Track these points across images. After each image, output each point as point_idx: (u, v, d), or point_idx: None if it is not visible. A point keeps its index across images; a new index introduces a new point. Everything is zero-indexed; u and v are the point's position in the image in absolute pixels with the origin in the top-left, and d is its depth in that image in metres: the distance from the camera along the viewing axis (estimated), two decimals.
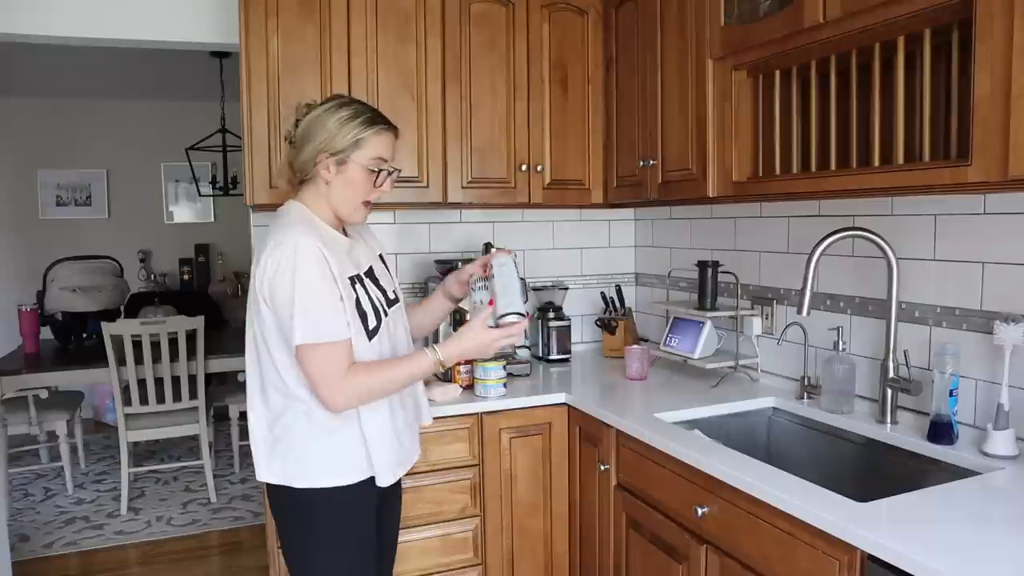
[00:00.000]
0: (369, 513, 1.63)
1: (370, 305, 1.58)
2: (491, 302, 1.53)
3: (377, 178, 1.60)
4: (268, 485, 1.61)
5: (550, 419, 2.26)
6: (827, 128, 1.75)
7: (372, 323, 1.57)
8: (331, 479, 1.55)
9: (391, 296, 1.69)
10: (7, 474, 3.93)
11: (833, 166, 1.74)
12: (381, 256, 1.76)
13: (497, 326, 1.57)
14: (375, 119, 1.59)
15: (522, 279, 1.67)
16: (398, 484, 1.76)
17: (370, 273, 1.65)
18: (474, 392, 2.25)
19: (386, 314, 1.63)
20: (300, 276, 1.45)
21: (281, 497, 1.59)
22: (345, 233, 1.67)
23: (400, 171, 1.72)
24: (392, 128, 1.62)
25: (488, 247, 2.64)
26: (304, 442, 1.54)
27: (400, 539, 1.94)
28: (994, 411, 1.60)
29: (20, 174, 5.80)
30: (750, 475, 1.52)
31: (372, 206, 1.65)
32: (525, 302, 1.58)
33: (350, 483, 1.56)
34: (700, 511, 1.65)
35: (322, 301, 1.46)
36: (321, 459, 1.55)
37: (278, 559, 2.03)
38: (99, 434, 5.41)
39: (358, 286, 1.57)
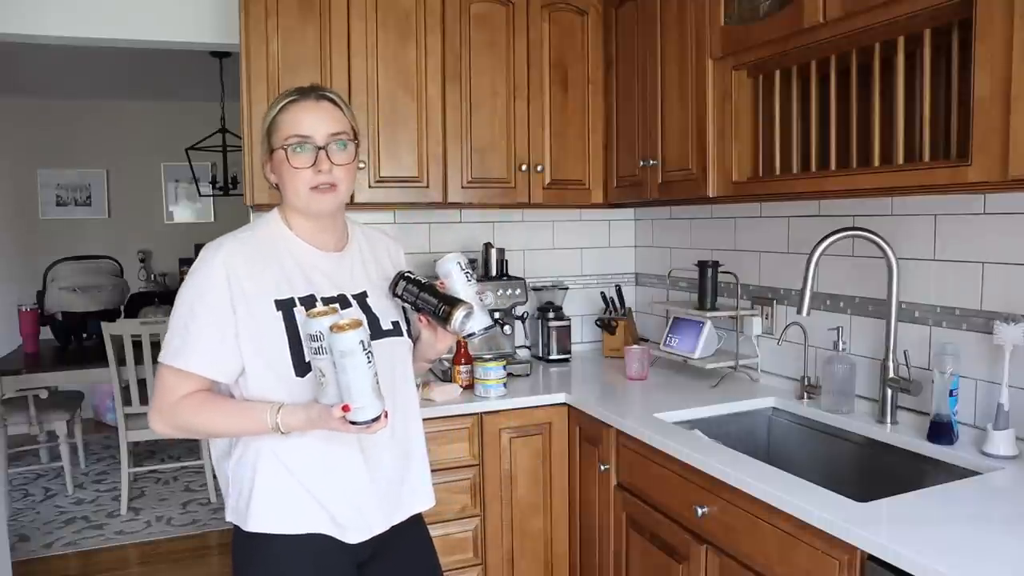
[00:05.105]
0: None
1: None
2: (345, 407, 1.20)
3: (287, 156, 1.30)
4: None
5: (550, 419, 2.26)
6: (827, 128, 1.75)
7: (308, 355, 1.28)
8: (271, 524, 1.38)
9: (385, 327, 1.40)
10: (7, 474, 3.93)
11: (833, 166, 1.74)
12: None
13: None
14: (282, 96, 1.35)
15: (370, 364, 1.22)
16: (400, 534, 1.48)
17: (361, 297, 1.40)
18: (474, 392, 2.25)
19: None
20: (188, 293, 1.32)
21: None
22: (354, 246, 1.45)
23: (339, 137, 1.33)
24: (305, 95, 1.33)
25: (488, 247, 2.64)
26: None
27: None
28: (994, 411, 1.59)
29: (20, 174, 5.80)
30: (750, 475, 1.52)
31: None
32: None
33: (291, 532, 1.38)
34: (700, 511, 1.65)
35: (193, 327, 1.29)
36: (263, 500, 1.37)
37: None
38: (99, 434, 5.40)
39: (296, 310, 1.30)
